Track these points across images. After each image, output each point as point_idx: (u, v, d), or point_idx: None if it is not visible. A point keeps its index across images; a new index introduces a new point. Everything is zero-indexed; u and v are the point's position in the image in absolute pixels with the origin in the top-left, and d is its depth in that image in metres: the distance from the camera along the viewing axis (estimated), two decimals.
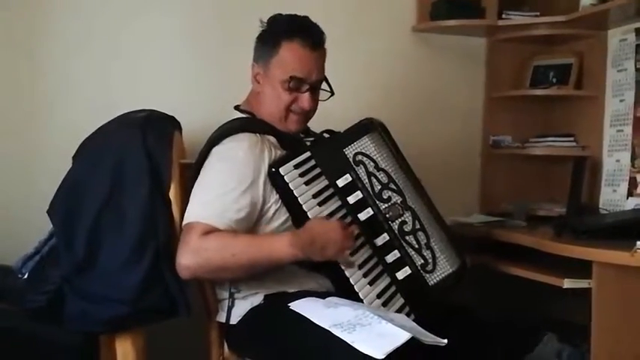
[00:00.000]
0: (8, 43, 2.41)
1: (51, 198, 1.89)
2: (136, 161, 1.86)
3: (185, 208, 1.85)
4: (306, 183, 1.84)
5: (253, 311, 1.87)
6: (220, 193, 1.78)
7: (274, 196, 1.83)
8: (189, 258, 1.72)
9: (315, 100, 1.96)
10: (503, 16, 2.89)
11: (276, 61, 1.91)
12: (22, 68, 2.44)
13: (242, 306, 1.88)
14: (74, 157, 1.96)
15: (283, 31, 1.92)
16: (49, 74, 2.46)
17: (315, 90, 1.96)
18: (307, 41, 1.91)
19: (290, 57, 1.90)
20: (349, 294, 1.81)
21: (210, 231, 1.73)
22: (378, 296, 1.83)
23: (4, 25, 2.40)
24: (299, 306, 1.75)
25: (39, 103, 2.45)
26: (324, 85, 1.99)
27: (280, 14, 1.97)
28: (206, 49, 2.64)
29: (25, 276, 1.90)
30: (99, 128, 1.99)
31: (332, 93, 1.99)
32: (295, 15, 1.96)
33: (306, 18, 1.95)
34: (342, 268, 1.80)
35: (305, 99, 1.93)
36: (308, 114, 1.97)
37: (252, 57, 2.00)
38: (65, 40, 2.48)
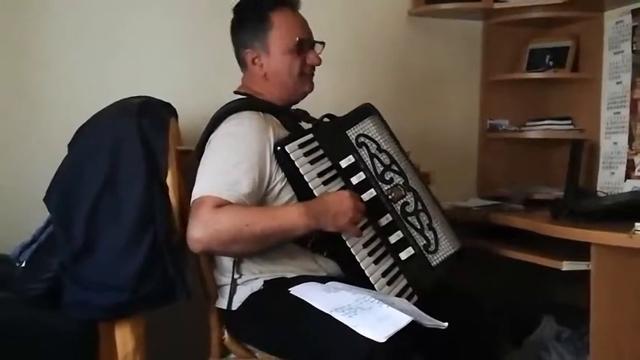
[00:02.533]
0: (6, 39, 2.41)
1: (47, 187, 1.89)
2: (131, 147, 1.85)
3: (182, 194, 1.85)
4: (311, 162, 1.83)
5: (253, 296, 1.86)
6: (228, 168, 1.77)
7: (280, 175, 1.83)
8: (201, 231, 1.69)
9: (319, 57, 2.01)
10: None
11: (274, 35, 1.95)
12: (19, 63, 2.44)
13: (242, 291, 1.88)
14: (70, 145, 1.95)
15: (265, 5, 1.96)
16: (46, 68, 2.46)
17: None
18: (291, 5, 1.99)
19: (287, 24, 1.96)
20: (355, 274, 1.81)
21: (221, 204, 1.71)
22: (383, 275, 1.83)
23: (1, 22, 2.39)
24: (299, 291, 1.75)
25: (35, 98, 2.45)
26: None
27: None
28: (200, 35, 2.63)
29: (23, 264, 1.90)
30: (94, 115, 1.98)
31: (323, 44, 2.04)
32: None
33: None
34: (349, 245, 1.80)
35: (313, 55, 1.99)
36: (314, 70, 2.03)
37: (238, 44, 2.01)
38: (61, 32, 2.47)
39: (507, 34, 3.05)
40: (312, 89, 2.03)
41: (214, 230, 1.69)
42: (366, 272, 1.80)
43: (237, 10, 2.02)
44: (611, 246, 1.97)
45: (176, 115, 2.07)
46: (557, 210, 2.31)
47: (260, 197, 1.81)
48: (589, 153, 2.78)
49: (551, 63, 2.96)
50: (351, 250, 1.80)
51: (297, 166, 1.80)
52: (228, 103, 1.95)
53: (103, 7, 2.52)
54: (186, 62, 2.62)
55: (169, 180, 1.89)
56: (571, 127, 2.89)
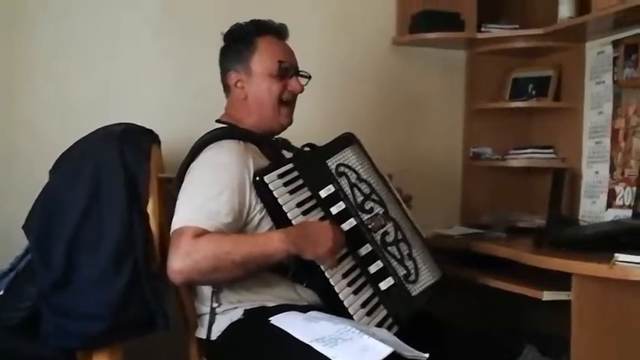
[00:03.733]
0: None
1: (26, 211, 1.88)
2: (113, 175, 1.84)
3: (163, 222, 1.84)
4: (290, 192, 1.83)
5: (233, 326, 1.84)
6: (208, 198, 1.76)
7: (259, 204, 1.83)
8: (181, 262, 1.68)
9: (302, 85, 2.01)
10: (483, 29, 2.91)
11: (257, 58, 1.97)
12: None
13: (222, 321, 1.86)
14: (51, 172, 1.94)
15: (253, 31, 1.99)
16: (28, 95, 2.46)
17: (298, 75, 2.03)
18: (277, 34, 2.01)
19: (270, 48, 1.98)
20: (334, 304, 1.80)
21: (201, 234, 1.71)
22: (363, 305, 1.82)
23: None
24: (280, 321, 1.74)
25: (16, 124, 2.45)
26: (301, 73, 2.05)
27: (237, 23, 2.03)
28: (185, 62, 2.64)
29: (1, 293, 1.87)
30: (76, 142, 1.97)
31: (309, 77, 2.05)
32: (256, 19, 2.02)
33: (267, 19, 2.03)
34: (327, 276, 1.79)
35: (295, 82, 2.00)
36: (294, 103, 2.03)
37: (223, 69, 2.02)
38: (46, 50, 2.49)
39: (490, 64, 3.09)
40: (289, 123, 2.02)
41: (194, 261, 1.68)
42: (344, 303, 1.79)
43: (225, 36, 2.05)
44: (591, 276, 1.97)
45: (159, 142, 2.07)
46: (539, 239, 2.32)
47: (240, 227, 1.80)
48: (571, 182, 2.80)
49: (533, 92, 3.00)
50: (330, 280, 1.79)
51: (276, 196, 1.80)
52: (209, 132, 1.95)
53: (88, 35, 2.53)
54: (171, 89, 2.63)
55: (150, 208, 1.88)
56: (553, 155, 2.91)
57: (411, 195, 2.18)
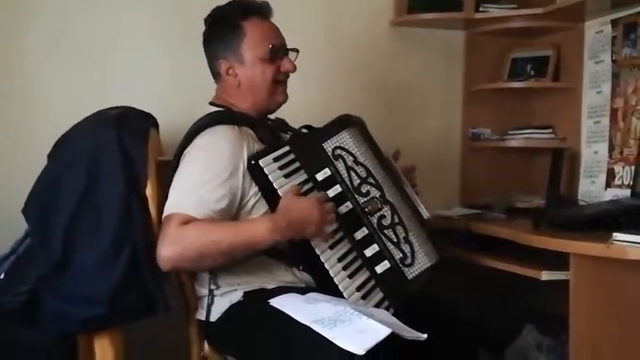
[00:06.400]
0: None
1: (25, 195, 1.88)
2: (110, 158, 1.84)
3: (162, 205, 1.84)
4: (286, 176, 1.82)
5: (233, 308, 1.86)
6: (199, 184, 1.77)
7: (254, 189, 1.82)
8: (169, 249, 1.70)
9: (294, 63, 1.99)
10: (481, 9, 2.89)
11: (247, 44, 1.94)
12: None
13: (221, 303, 1.87)
14: (49, 156, 1.94)
15: (237, 14, 1.95)
16: (28, 77, 2.45)
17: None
18: (262, 14, 1.98)
19: (259, 31, 1.95)
20: (329, 288, 1.80)
21: (188, 221, 1.72)
22: (358, 289, 1.82)
23: None
24: (279, 302, 1.74)
25: (14, 109, 2.44)
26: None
27: (218, 5, 2.00)
28: (181, 46, 2.62)
29: (1, 276, 1.88)
30: (74, 126, 1.97)
31: (297, 51, 2.02)
32: (234, 0, 1.99)
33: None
34: (322, 260, 1.80)
35: (287, 62, 1.98)
36: (287, 79, 2.01)
37: (211, 56, 1.99)
38: (41, 41, 2.47)
39: (489, 44, 3.07)
40: (286, 100, 2.01)
41: (180, 249, 1.70)
42: (339, 287, 1.79)
43: (208, 21, 2.01)
44: (589, 256, 1.98)
45: (157, 125, 2.06)
46: (538, 219, 2.32)
47: (232, 213, 1.80)
48: (570, 162, 2.80)
49: (532, 72, 2.98)
50: (325, 264, 1.80)
51: (271, 180, 1.79)
52: (203, 117, 1.94)
53: (88, 17, 2.52)
54: (171, 72, 2.62)
55: (149, 191, 1.88)
56: (552, 135, 2.91)
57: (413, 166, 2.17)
